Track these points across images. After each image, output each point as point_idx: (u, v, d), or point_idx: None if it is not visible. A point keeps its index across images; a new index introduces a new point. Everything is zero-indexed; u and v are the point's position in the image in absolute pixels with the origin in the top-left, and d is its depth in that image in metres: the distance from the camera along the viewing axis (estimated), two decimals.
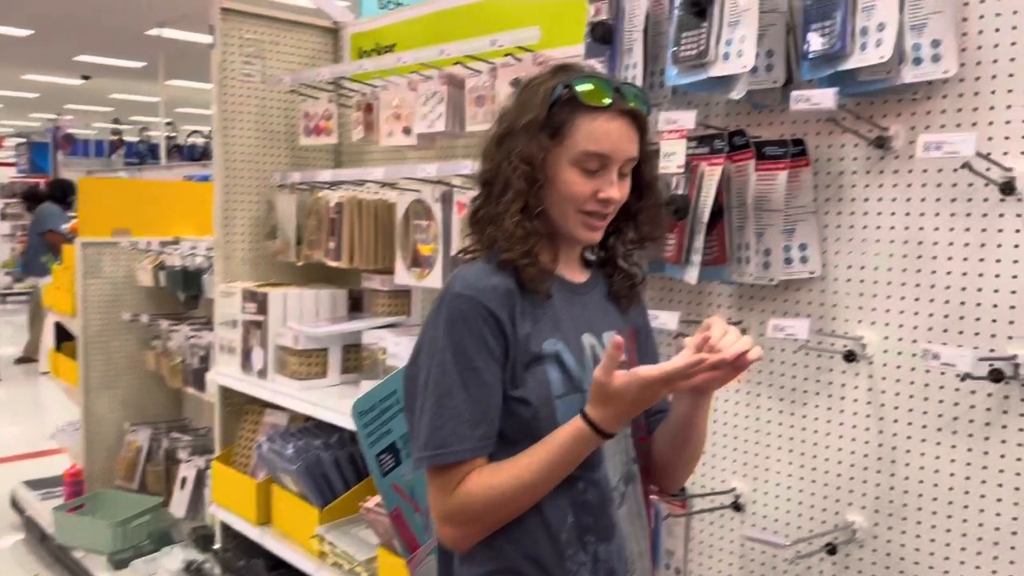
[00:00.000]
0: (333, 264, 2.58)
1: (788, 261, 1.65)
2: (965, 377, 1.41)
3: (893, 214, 1.57)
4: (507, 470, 1.06)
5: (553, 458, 1.05)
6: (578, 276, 1.22)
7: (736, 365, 1.02)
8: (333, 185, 2.70)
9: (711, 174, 1.63)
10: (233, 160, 2.87)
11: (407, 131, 2.39)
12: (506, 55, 2.08)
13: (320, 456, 2.51)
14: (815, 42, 1.47)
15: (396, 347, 2.34)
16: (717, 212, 1.64)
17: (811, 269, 1.66)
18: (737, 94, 1.60)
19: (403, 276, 2.42)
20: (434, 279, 2.34)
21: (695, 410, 1.17)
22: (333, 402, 2.51)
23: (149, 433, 3.75)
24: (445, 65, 2.28)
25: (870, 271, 1.60)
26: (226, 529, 2.85)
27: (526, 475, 1.05)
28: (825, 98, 1.43)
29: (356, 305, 2.77)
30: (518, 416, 1.08)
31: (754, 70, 1.55)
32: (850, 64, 1.46)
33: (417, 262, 2.38)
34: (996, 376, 1.37)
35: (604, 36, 1.78)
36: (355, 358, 2.62)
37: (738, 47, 1.54)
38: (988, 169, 1.49)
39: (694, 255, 1.62)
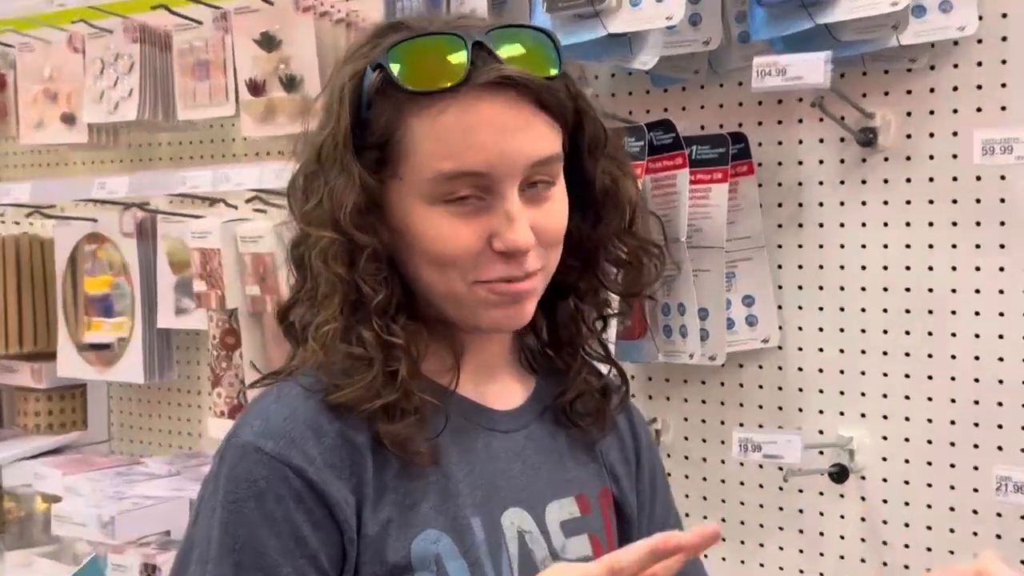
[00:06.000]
0: None
1: (729, 324, 1.59)
2: None
3: (886, 247, 1.54)
4: None
5: None
6: (503, 395, 1.02)
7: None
8: None
9: None
10: None
11: (70, 119, 2.15)
12: None
13: None
14: None
15: (69, 492, 2.01)
16: None
17: (764, 335, 1.60)
18: (649, 62, 1.51)
19: (72, 364, 2.17)
20: (129, 367, 2.07)
21: None
22: None
23: None
24: (136, 10, 2.05)
25: (855, 335, 1.55)
26: None
27: None
28: (813, 69, 1.32)
29: None
30: None
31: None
32: (837, 14, 1.38)
33: (97, 340, 2.16)
34: None
35: None
36: None
37: None
38: None
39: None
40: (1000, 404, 1.46)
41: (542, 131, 0.92)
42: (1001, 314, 1.45)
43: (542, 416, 1.03)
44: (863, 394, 1.55)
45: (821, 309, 1.58)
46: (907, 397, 1.52)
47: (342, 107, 0.90)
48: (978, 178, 1.45)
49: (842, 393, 1.57)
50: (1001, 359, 1.45)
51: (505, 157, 0.89)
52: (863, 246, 1.55)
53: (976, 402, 1.47)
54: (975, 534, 1.48)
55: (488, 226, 0.90)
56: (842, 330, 1.56)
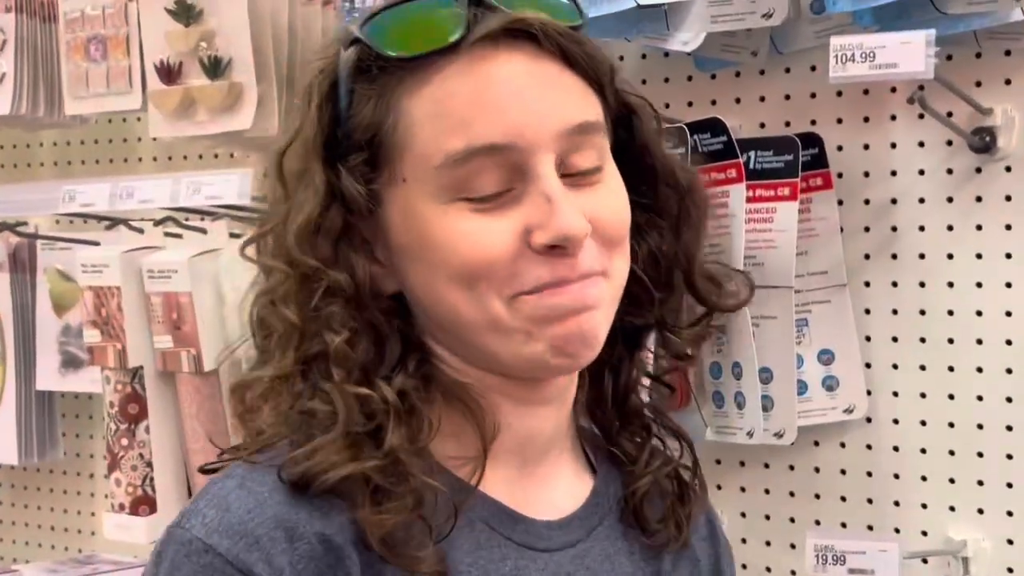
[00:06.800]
0: None
1: (800, 389, 1.57)
2: None
3: (1009, 286, 1.49)
4: None
5: None
6: (549, 498, 0.99)
7: None
8: None
9: None
10: None
11: None
12: None
13: None
14: None
15: None
16: None
17: (847, 404, 1.57)
18: (692, 42, 1.54)
19: None
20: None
21: None
22: None
23: None
24: None
25: (969, 403, 1.51)
26: None
27: None
28: (911, 53, 1.30)
29: None
30: None
31: None
32: None
33: None
34: None
35: None
36: None
37: None
38: None
39: None
40: None
41: (575, 90, 0.89)
42: None
43: (598, 528, 0.99)
44: (980, 483, 1.49)
45: (923, 368, 1.52)
46: None
47: (310, 108, 0.90)
48: None
49: (952, 481, 1.51)
50: None
51: (530, 122, 0.87)
52: (979, 285, 1.49)
53: None
54: None
55: (524, 219, 0.87)
56: (951, 397, 1.51)
